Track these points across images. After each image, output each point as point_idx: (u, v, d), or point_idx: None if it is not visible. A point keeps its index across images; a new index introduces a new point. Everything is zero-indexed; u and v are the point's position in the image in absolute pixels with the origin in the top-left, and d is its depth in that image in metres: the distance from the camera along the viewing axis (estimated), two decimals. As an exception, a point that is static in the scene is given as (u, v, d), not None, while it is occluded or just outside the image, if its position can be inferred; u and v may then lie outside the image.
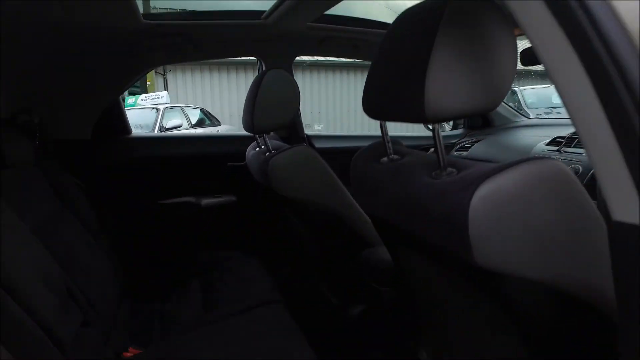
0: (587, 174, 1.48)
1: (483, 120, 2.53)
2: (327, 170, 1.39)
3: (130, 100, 8.36)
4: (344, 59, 8.80)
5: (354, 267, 1.44)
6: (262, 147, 1.58)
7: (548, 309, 0.64)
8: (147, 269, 1.90)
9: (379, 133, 0.88)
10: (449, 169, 0.66)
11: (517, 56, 0.64)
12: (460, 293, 0.81)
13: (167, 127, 6.42)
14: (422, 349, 1.19)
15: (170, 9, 8.99)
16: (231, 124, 9.23)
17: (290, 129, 2.16)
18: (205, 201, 2.05)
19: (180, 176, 2.02)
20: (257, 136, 1.67)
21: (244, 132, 1.69)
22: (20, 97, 1.60)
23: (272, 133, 2.06)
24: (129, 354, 1.26)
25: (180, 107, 7.91)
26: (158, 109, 7.11)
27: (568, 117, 0.45)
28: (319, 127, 10.66)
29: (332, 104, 11.82)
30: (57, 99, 1.71)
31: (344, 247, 1.45)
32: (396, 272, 1.19)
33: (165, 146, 2.01)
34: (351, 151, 1.02)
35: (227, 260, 1.82)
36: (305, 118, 2.57)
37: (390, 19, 0.89)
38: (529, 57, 1.69)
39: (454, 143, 2.50)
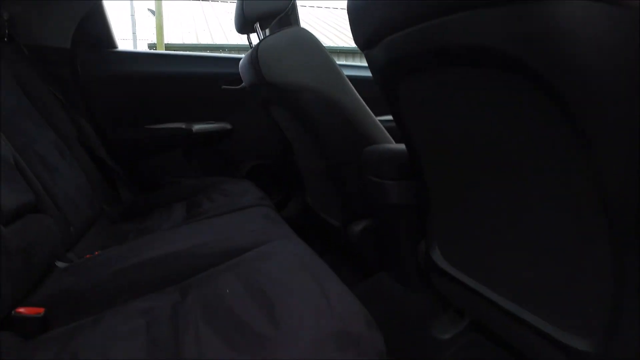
0: None
1: None
2: (326, 54, 1.20)
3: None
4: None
5: (356, 170, 1.25)
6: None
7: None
8: (128, 193, 1.74)
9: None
10: None
11: None
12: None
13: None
14: (434, 247, 1.01)
15: None
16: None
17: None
18: (197, 127, 1.88)
19: (170, 98, 1.84)
20: (249, 37, 1.49)
21: (242, 55, 1.51)
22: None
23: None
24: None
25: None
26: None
27: None
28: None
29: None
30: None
31: (344, 146, 1.26)
32: (408, 163, 1.01)
33: (155, 63, 1.83)
34: None
35: (216, 184, 1.65)
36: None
37: None
38: None
39: None
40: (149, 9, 9.14)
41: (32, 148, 1.19)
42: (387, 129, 1.32)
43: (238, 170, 2.00)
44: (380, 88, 0.90)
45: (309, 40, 1.19)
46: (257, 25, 1.34)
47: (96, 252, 1.16)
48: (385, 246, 1.34)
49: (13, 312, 0.78)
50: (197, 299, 0.76)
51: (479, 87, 0.63)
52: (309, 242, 0.99)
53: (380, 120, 1.32)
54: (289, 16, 1.87)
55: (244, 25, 1.40)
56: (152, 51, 1.90)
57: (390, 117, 0.96)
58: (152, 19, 8.80)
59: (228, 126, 1.94)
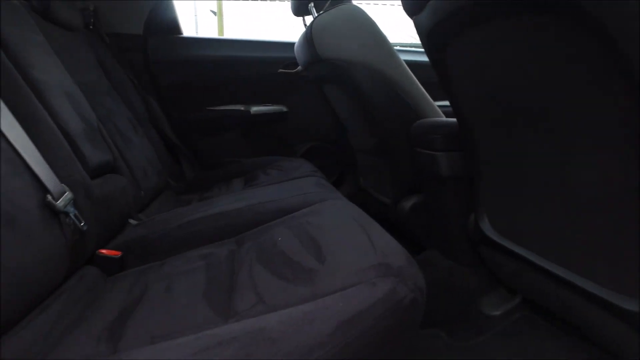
0: None
1: None
2: (377, 30, 1.22)
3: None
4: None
5: (406, 145, 1.27)
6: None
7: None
8: (191, 169, 1.87)
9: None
10: None
11: None
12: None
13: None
14: (483, 218, 1.01)
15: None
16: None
17: None
18: (255, 109, 1.97)
19: (230, 81, 1.95)
20: (304, 20, 1.55)
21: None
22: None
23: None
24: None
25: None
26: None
27: None
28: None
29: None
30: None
31: (394, 121, 1.29)
32: (457, 134, 1.02)
33: (217, 48, 1.95)
34: None
35: (272, 162, 1.73)
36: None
37: None
38: None
39: None
40: (211, 10, 9.52)
41: (110, 120, 1.33)
42: (444, 114, 1.32)
43: (294, 152, 2.08)
44: (428, 54, 0.91)
45: (361, 17, 1.22)
46: (311, 6, 1.39)
47: (163, 214, 1.27)
48: (434, 221, 1.35)
49: (97, 252, 0.89)
50: (252, 246, 0.82)
51: (529, 39, 0.63)
52: None
53: (438, 107, 1.33)
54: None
55: (299, 7, 1.46)
56: (214, 37, 2.02)
57: (446, 103, 0.97)
58: (215, 20, 9.19)
59: (284, 109, 2.02)
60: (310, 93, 1.97)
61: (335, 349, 0.45)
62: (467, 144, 0.99)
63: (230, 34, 9.30)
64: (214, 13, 9.36)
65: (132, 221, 1.14)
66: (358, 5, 1.28)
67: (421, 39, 0.91)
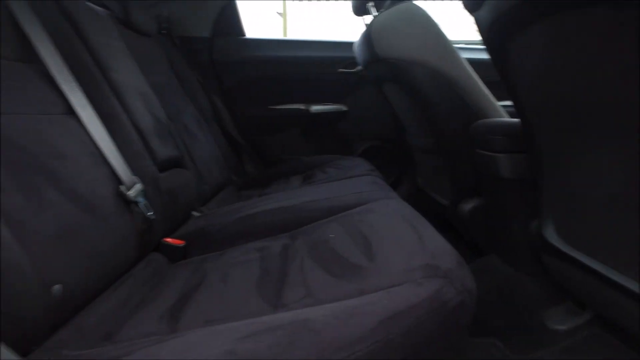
0: None
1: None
2: (436, 28, 1.20)
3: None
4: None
5: (466, 146, 1.23)
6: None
7: None
8: (252, 166, 1.94)
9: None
10: None
11: None
12: None
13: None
14: (548, 225, 0.95)
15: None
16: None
17: None
18: (315, 108, 2.01)
19: (291, 81, 2.00)
20: (364, 20, 1.55)
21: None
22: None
23: None
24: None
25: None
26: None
27: None
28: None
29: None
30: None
31: (454, 121, 1.25)
32: (520, 134, 0.97)
33: (278, 49, 2.01)
34: None
35: (331, 160, 1.75)
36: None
37: None
38: None
39: None
40: (277, 12, 9.75)
41: (179, 118, 1.42)
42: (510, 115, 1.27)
43: (352, 151, 2.09)
44: (489, 52, 0.88)
45: (420, 15, 1.21)
46: (371, 5, 1.39)
47: (224, 208, 1.33)
48: (495, 226, 1.30)
49: (162, 240, 0.96)
50: (305, 242, 0.85)
51: (605, 32, 0.59)
52: None
53: (502, 107, 1.28)
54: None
55: (358, 7, 1.46)
56: (275, 37, 2.08)
57: (510, 103, 0.94)
58: (280, 21, 9.42)
59: (344, 108, 2.03)
60: (370, 92, 1.97)
61: (377, 344, 0.45)
62: (530, 146, 0.94)
63: (294, 34, 9.51)
64: (280, 14, 9.61)
65: (195, 213, 1.21)
66: (418, 3, 1.27)
67: (482, 36, 0.88)
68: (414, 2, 1.26)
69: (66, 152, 0.73)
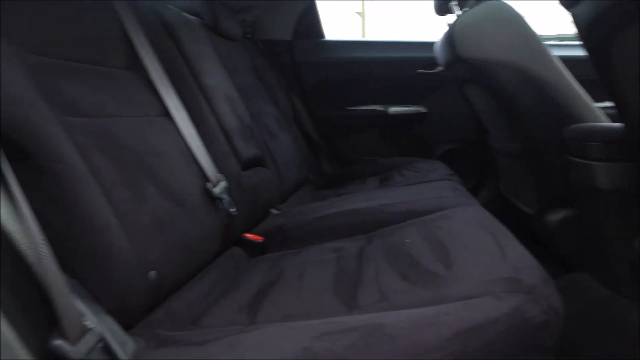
0: None
1: None
2: (526, 27, 1.13)
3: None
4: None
5: (556, 152, 1.15)
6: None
7: None
8: (329, 166, 1.97)
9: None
10: None
11: None
12: None
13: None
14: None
15: None
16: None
17: None
18: (393, 110, 1.99)
19: (369, 82, 2.00)
20: (447, 19, 1.50)
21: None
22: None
23: None
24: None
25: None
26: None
27: None
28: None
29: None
30: (263, 1, 1.89)
31: (543, 125, 1.17)
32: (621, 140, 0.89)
33: (357, 50, 2.02)
34: None
35: (409, 162, 1.73)
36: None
37: None
38: None
39: None
40: (356, 12, 9.77)
41: (261, 118, 1.48)
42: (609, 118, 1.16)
43: (431, 153, 2.04)
44: (589, 51, 0.81)
45: (507, 13, 1.14)
46: (454, 4, 1.35)
47: (301, 206, 1.37)
48: (589, 241, 1.19)
49: (243, 235, 1.02)
50: (381, 245, 0.85)
51: None
52: None
53: (600, 109, 1.17)
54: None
55: (441, 6, 1.42)
56: (354, 39, 2.08)
57: (610, 104, 0.86)
58: (359, 20, 9.43)
59: (423, 109, 1.99)
60: (450, 93, 1.91)
61: (453, 355, 0.44)
62: (636, 153, 0.86)
63: (373, 33, 9.46)
64: (359, 14, 9.61)
65: (273, 211, 1.26)
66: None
67: (580, 33, 0.82)
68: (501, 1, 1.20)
69: (162, 151, 0.80)
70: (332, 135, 2.07)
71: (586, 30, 0.77)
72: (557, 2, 0.85)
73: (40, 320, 0.46)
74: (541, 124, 1.19)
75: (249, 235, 1.02)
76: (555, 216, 1.25)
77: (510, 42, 1.15)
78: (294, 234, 1.03)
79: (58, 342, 0.45)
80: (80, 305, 0.50)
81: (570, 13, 0.82)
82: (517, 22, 1.14)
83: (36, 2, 0.68)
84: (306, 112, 1.99)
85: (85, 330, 0.47)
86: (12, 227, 0.46)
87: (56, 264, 0.48)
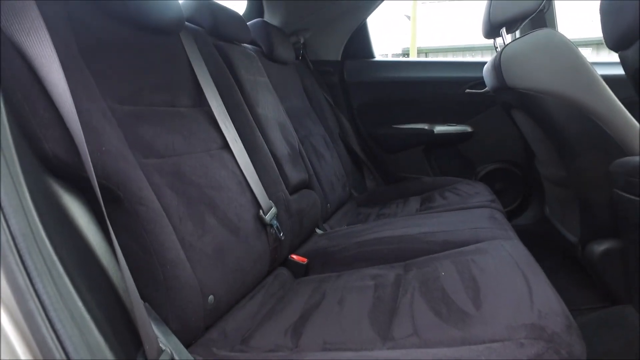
0: None
1: None
2: (577, 56, 1.13)
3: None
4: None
5: (603, 183, 1.14)
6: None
7: None
8: (373, 182, 2.03)
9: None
10: None
11: None
12: None
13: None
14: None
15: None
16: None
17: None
18: (439, 129, 2.01)
19: (416, 101, 2.04)
20: (495, 42, 1.52)
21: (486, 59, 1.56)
22: (291, 23, 1.92)
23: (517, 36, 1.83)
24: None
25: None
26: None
27: None
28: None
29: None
30: (315, 23, 1.97)
31: (592, 156, 1.17)
32: None
33: (405, 70, 2.06)
34: None
35: (451, 183, 1.75)
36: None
37: None
38: None
39: None
40: (405, 15, 9.70)
41: (308, 139, 1.57)
42: None
43: (474, 173, 2.04)
44: (637, 92, 0.82)
45: (558, 43, 1.15)
46: (503, 30, 1.36)
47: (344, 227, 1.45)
48: (634, 274, 1.17)
49: (289, 257, 1.10)
50: (417, 275, 0.90)
51: None
52: (541, 255, 0.97)
53: None
54: (543, 15, 1.78)
55: (490, 30, 1.44)
56: (403, 59, 2.14)
57: None
58: (407, 23, 9.36)
59: (469, 129, 2.00)
60: (497, 114, 1.91)
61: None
62: None
63: (422, 37, 9.33)
64: (408, 17, 9.54)
65: (318, 230, 1.34)
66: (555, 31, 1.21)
67: (628, 77, 0.83)
68: (552, 29, 1.21)
69: (221, 183, 0.90)
70: (377, 152, 2.13)
71: (634, 77, 0.79)
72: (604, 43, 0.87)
73: (124, 338, 0.56)
74: (589, 155, 1.19)
75: (294, 257, 1.11)
76: (599, 247, 1.24)
77: (560, 71, 1.15)
78: (335, 257, 1.11)
79: (142, 361, 0.55)
80: (155, 328, 0.60)
81: (618, 55, 0.84)
82: (567, 51, 1.14)
83: (124, 55, 0.80)
84: (352, 129, 2.07)
85: (160, 351, 0.57)
86: (108, 262, 0.56)
87: (138, 293, 0.58)
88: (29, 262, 0.42)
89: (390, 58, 2.15)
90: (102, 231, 0.60)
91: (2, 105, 0.48)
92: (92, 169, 0.56)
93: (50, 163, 0.57)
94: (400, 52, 9.84)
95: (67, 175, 0.58)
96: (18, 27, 0.53)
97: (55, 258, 0.45)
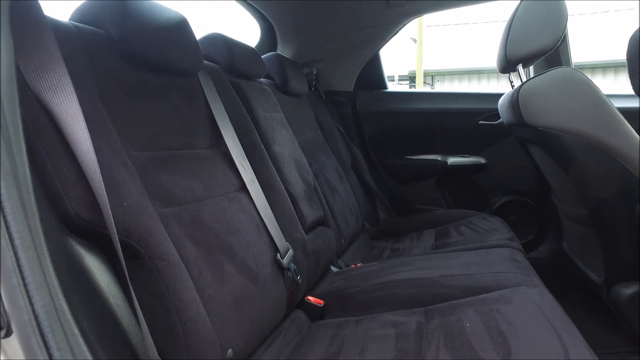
0: None
1: None
2: (597, 95, 1.11)
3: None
4: None
5: (629, 225, 1.11)
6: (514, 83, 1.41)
7: None
8: (385, 214, 2.00)
9: None
10: None
11: None
12: None
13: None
14: None
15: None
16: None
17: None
18: (452, 160, 1.99)
19: (429, 132, 2.02)
20: (510, 76, 1.51)
21: (500, 90, 1.55)
22: (304, 54, 1.93)
23: (531, 70, 1.82)
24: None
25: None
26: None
27: None
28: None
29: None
30: (328, 54, 1.98)
31: (617, 200, 1.14)
32: None
33: (417, 101, 2.05)
34: None
35: (466, 217, 1.72)
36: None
37: None
38: None
39: None
40: (411, 38, 9.80)
41: (322, 173, 1.56)
42: None
43: (489, 205, 2.01)
44: None
45: (578, 82, 1.13)
46: (520, 67, 1.35)
47: (359, 264, 1.42)
48: None
49: (305, 298, 1.07)
50: (440, 325, 0.87)
51: None
52: (559, 292, 0.94)
53: None
54: (559, 53, 1.77)
55: (507, 66, 1.44)
56: (416, 90, 2.16)
57: None
58: (414, 46, 9.44)
59: (482, 160, 1.98)
60: (511, 145, 1.89)
61: None
62: None
63: (428, 60, 9.41)
64: (414, 40, 9.63)
65: (333, 268, 1.31)
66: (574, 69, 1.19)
67: None
68: (570, 68, 1.20)
69: (239, 227, 0.88)
70: (389, 183, 2.11)
71: None
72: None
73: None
74: (613, 194, 1.16)
75: (310, 299, 1.08)
76: (626, 290, 1.20)
77: (580, 110, 1.13)
78: (353, 300, 1.08)
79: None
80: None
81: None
82: (586, 89, 1.13)
83: (143, 98, 0.79)
84: (365, 160, 2.05)
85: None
86: (128, 323, 0.54)
87: (157, 354, 0.55)
88: (49, 337, 0.40)
89: (402, 89, 2.14)
90: (122, 290, 0.58)
91: (26, 164, 0.47)
92: (114, 226, 0.54)
93: (71, 221, 0.55)
94: (407, 74, 9.92)
95: (87, 234, 0.57)
96: (45, 85, 0.52)
97: (76, 331, 0.43)
